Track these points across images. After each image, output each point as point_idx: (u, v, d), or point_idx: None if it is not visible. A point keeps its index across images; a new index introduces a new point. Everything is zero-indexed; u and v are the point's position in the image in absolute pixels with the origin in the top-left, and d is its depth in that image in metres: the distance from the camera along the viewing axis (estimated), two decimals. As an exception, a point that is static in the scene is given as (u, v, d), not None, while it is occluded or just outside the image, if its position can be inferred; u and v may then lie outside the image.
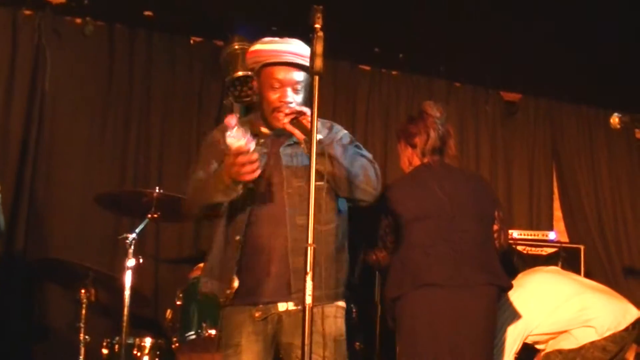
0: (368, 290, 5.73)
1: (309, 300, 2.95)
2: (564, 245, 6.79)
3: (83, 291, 5.15)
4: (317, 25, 3.13)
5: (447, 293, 4.22)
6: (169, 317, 5.26)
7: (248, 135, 3.34)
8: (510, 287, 4.56)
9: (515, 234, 6.54)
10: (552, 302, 5.07)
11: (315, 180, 3.49)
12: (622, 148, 8.06)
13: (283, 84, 3.66)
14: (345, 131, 3.86)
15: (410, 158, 4.59)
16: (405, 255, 4.34)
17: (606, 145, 8.03)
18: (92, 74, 6.42)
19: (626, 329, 5.00)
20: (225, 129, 3.36)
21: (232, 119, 3.30)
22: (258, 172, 3.38)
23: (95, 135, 6.38)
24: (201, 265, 6.04)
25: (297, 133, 3.52)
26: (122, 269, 5.04)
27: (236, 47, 6.17)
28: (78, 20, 6.40)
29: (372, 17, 6.25)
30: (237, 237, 3.58)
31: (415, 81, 7.57)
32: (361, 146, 3.84)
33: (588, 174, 7.93)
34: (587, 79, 7.24)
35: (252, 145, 3.35)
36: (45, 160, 6.16)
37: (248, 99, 6.19)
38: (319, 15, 3.13)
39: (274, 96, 3.65)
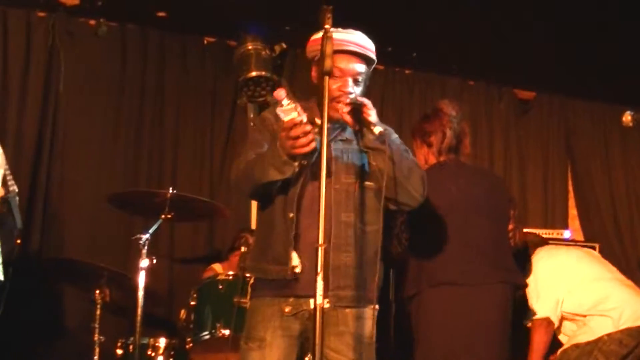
0: (382, 289, 5.72)
1: (319, 300, 2.91)
2: (578, 243, 6.76)
3: (97, 291, 5.16)
4: (327, 26, 3.09)
5: (461, 291, 4.23)
6: (183, 317, 5.25)
7: (299, 107, 3.22)
8: (525, 285, 4.56)
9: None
10: (576, 279, 5.06)
11: (364, 180, 3.50)
12: (636, 144, 8.01)
13: (345, 74, 3.50)
14: (396, 136, 3.69)
15: (426, 156, 4.59)
16: (421, 253, 4.35)
17: (620, 142, 7.98)
18: (106, 74, 6.45)
19: None
20: (275, 106, 3.26)
21: (281, 92, 3.19)
22: (314, 144, 3.20)
23: (108, 135, 6.40)
24: (214, 265, 6.11)
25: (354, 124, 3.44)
26: (136, 269, 5.06)
27: (249, 47, 6.17)
28: (91, 22, 6.42)
29: (384, 16, 6.23)
30: (291, 215, 3.44)
31: (429, 80, 7.57)
32: (408, 150, 3.70)
33: (603, 171, 7.90)
34: (600, 76, 7.20)
35: (304, 117, 3.22)
36: (59, 160, 6.19)
37: (262, 99, 6.19)
38: (329, 15, 3.10)
39: (334, 85, 3.45)
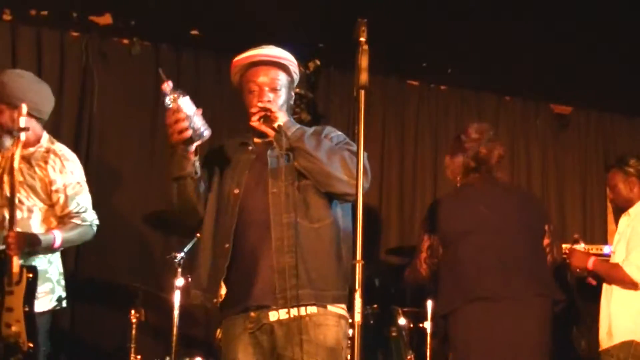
0: (419, 308, 5.68)
1: (358, 317, 2.86)
2: (619, 259, 6.66)
3: (133, 311, 5.16)
4: (362, 39, 3.09)
5: (499, 306, 4.25)
6: (219, 336, 5.23)
7: (180, 97, 3.35)
8: (563, 300, 4.52)
9: (569, 248, 6.42)
10: None
11: (300, 180, 3.50)
12: (677, 159, 7.91)
13: (260, 85, 3.61)
14: (340, 133, 3.73)
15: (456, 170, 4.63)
16: (455, 271, 4.37)
17: (660, 157, 7.89)
18: (139, 94, 6.45)
19: None
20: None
21: (167, 85, 3.35)
22: (187, 133, 3.33)
23: (143, 155, 6.40)
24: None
25: (269, 131, 3.51)
26: (171, 288, 5.04)
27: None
28: (125, 41, 6.44)
29: (418, 32, 6.21)
30: (227, 245, 3.48)
31: (464, 95, 7.53)
32: (353, 144, 3.64)
33: (642, 186, 7.80)
34: (638, 90, 7.13)
35: (186, 108, 3.35)
36: (94, 181, 6.17)
37: (296, 116, 6.17)
38: (363, 28, 3.09)
39: (253, 100, 3.60)
